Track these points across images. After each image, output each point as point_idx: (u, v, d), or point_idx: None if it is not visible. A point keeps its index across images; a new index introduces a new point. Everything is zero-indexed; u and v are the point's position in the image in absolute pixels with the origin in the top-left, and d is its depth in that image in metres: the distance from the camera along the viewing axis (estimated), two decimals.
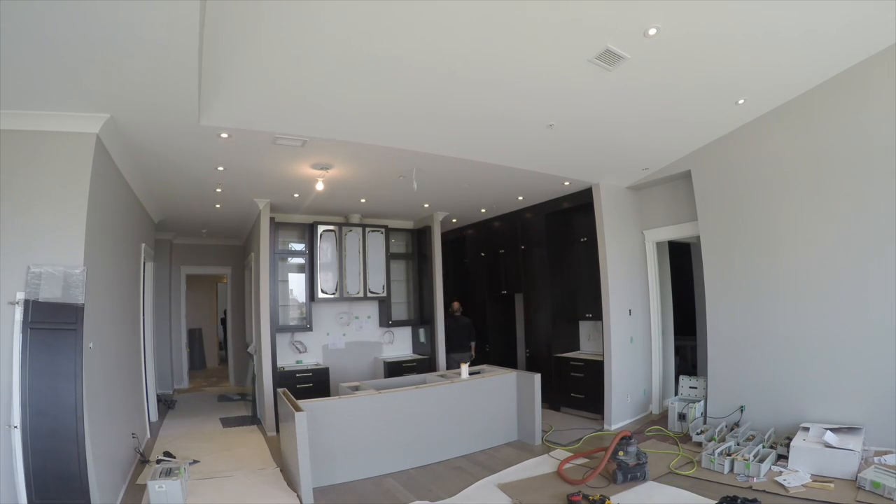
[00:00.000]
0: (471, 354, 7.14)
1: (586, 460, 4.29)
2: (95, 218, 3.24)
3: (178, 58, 2.49)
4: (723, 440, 4.28)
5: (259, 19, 2.49)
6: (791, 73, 3.88)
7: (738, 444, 4.12)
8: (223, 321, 11.22)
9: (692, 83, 3.69)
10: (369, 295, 6.72)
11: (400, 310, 7.23)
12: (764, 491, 3.40)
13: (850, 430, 3.78)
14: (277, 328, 6.01)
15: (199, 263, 8.98)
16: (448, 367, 6.74)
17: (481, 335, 7.91)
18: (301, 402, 3.95)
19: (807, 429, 3.93)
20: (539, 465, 4.30)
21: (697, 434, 4.63)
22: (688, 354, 7.28)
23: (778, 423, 4.37)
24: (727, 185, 4.87)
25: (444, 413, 4.65)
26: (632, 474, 3.74)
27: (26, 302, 2.78)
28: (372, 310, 7.18)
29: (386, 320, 7.04)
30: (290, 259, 6.48)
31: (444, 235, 8.09)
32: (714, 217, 5.03)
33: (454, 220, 8.02)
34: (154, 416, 6.14)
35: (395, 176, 5.04)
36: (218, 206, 6.04)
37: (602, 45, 3.03)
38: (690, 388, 5.49)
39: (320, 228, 6.43)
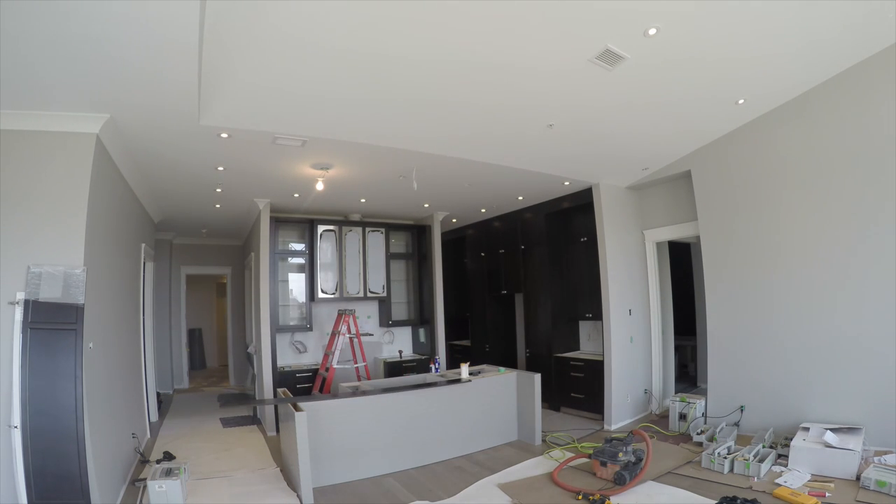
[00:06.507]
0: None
1: (585, 460, 4.29)
2: (95, 218, 3.24)
3: (178, 58, 2.49)
4: (712, 439, 4.29)
5: (259, 19, 2.49)
6: (791, 73, 3.88)
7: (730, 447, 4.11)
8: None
9: (692, 83, 3.69)
10: (369, 295, 6.73)
11: (400, 310, 7.23)
12: (764, 491, 3.40)
13: (850, 430, 3.78)
14: (277, 328, 6.01)
15: (199, 263, 8.98)
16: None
17: (482, 335, 7.92)
18: (301, 403, 3.95)
19: (807, 429, 3.93)
20: (539, 465, 4.30)
21: (698, 434, 4.63)
22: (688, 354, 7.30)
23: (778, 423, 4.37)
24: (727, 185, 4.87)
25: (444, 413, 4.65)
26: (634, 472, 3.73)
27: (26, 302, 2.78)
28: (372, 310, 7.18)
29: (386, 320, 7.04)
30: (290, 259, 6.48)
31: (444, 235, 8.09)
32: (714, 217, 5.03)
33: (454, 220, 8.02)
34: (154, 416, 6.14)
35: (395, 176, 5.04)
36: (218, 206, 6.04)
37: (602, 45, 3.03)
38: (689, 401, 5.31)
39: (320, 228, 6.43)
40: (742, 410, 4.70)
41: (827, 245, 4.15)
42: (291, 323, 6.39)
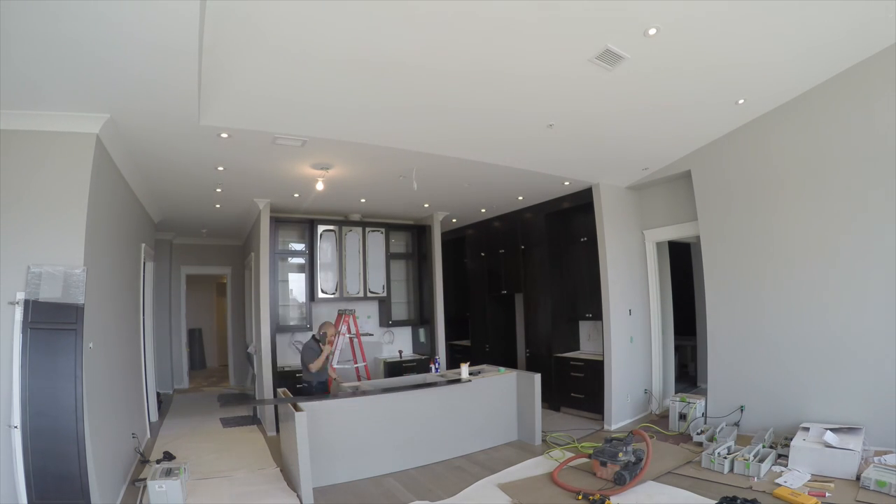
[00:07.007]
0: None
1: (585, 460, 4.29)
2: (95, 218, 3.24)
3: (179, 58, 2.49)
4: (712, 439, 4.29)
5: (259, 19, 2.49)
6: (791, 73, 3.88)
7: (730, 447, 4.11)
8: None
9: (692, 83, 3.69)
10: (369, 295, 6.73)
11: (400, 310, 7.23)
12: (764, 491, 3.40)
13: (850, 430, 3.78)
14: (277, 328, 6.01)
15: (199, 263, 8.98)
16: None
17: (482, 335, 7.91)
18: (301, 403, 3.95)
19: (807, 429, 3.93)
20: (539, 465, 4.30)
21: (698, 434, 4.62)
22: (688, 354, 7.31)
23: (778, 423, 4.37)
24: (727, 185, 4.87)
25: (444, 413, 4.65)
26: (633, 472, 3.73)
27: (26, 302, 2.78)
28: (372, 310, 7.18)
29: (386, 320, 7.04)
30: (290, 259, 6.48)
31: (444, 235, 8.09)
32: (714, 217, 5.03)
33: (454, 220, 8.02)
34: (154, 416, 6.13)
35: (395, 176, 5.04)
36: (218, 206, 6.04)
37: (602, 45, 3.02)
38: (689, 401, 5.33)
39: (320, 228, 6.43)
40: (742, 410, 4.70)
41: (827, 244, 4.14)
42: (291, 323, 6.39)
